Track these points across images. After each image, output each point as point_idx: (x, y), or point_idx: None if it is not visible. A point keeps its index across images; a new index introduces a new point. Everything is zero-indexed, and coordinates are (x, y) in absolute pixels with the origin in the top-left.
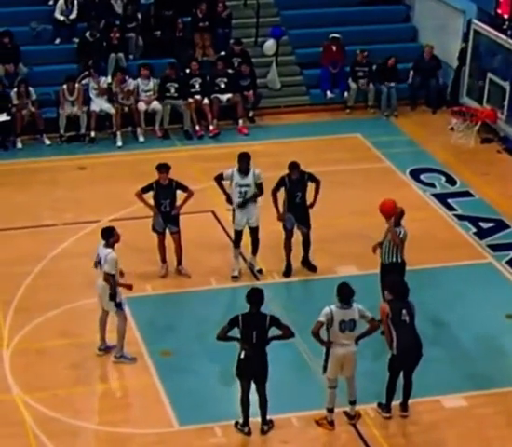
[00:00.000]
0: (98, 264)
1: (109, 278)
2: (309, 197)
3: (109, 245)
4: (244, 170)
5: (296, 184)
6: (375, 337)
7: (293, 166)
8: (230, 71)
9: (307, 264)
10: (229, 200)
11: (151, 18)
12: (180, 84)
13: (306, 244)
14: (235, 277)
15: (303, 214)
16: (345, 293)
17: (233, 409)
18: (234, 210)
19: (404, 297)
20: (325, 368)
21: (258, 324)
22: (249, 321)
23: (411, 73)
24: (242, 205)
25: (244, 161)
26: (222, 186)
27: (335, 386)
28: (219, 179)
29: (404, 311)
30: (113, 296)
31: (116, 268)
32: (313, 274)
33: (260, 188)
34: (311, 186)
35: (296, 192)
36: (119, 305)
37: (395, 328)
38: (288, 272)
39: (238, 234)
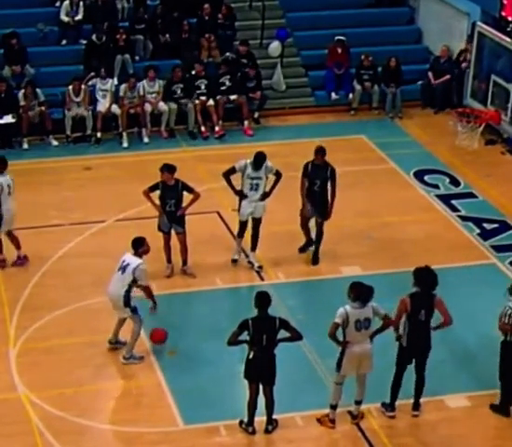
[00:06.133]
0: (121, 269)
1: (144, 290)
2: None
3: (138, 254)
4: (257, 166)
5: (317, 171)
6: (380, 336)
7: (318, 150)
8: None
9: (314, 257)
10: (239, 194)
11: (158, 19)
12: (185, 85)
13: (319, 236)
14: (234, 261)
15: (320, 203)
16: (364, 293)
17: (238, 408)
18: (240, 201)
19: (431, 289)
20: (339, 366)
21: (267, 327)
22: (259, 325)
23: (430, 74)
24: (263, 198)
25: (259, 159)
26: (229, 182)
27: (342, 383)
28: (228, 174)
29: (423, 311)
30: (127, 303)
31: (147, 279)
32: (317, 274)
33: (278, 173)
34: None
35: (315, 179)
36: (135, 310)
37: (409, 323)
38: (305, 247)
39: (243, 224)
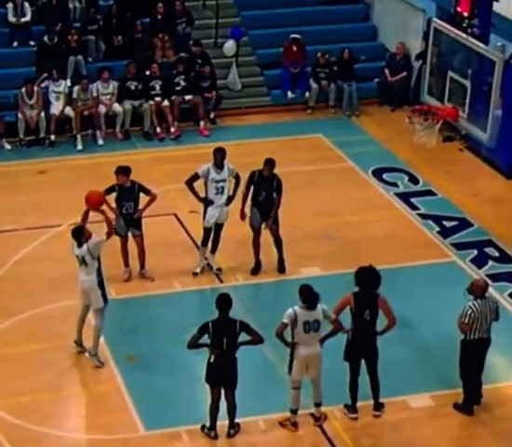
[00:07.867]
0: (83, 263)
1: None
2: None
3: (82, 243)
4: (219, 165)
5: (263, 182)
6: (341, 337)
7: (267, 162)
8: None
9: (279, 265)
10: (203, 201)
11: (111, 20)
12: (139, 82)
13: (277, 243)
14: (195, 274)
15: (268, 212)
16: (311, 297)
17: (199, 413)
18: (205, 207)
19: (374, 289)
20: (290, 368)
21: (228, 331)
22: (220, 328)
23: (387, 71)
24: (229, 202)
25: (219, 155)
26: (193, 189)
27: (299, 387)
28: (191, 182)
29: (367, 311)
30: (101, 283)
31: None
32: (277, 276)
33: (238, 177)
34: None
35: (261, 190)
36: (106, 301)
37: (354, 322)
38: (256, 270)
39: (207, 231)
